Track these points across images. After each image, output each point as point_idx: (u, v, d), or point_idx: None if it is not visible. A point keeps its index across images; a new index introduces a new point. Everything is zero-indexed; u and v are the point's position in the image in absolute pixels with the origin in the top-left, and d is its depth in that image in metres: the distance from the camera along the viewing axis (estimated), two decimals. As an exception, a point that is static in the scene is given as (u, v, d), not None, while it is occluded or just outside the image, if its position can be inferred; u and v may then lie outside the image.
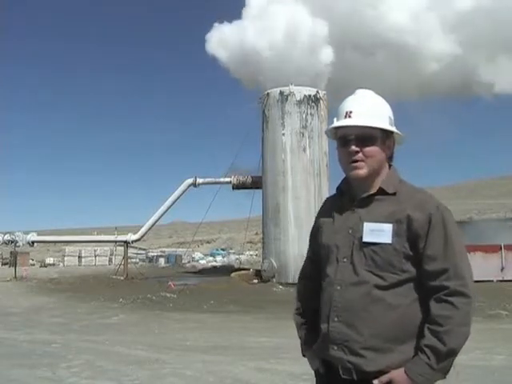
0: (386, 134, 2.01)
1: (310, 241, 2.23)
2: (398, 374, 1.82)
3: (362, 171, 1.97)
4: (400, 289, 1.89)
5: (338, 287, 1.96)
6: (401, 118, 2.14)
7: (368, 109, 2.00)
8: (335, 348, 1.93)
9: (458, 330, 1.81)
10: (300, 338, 2.22)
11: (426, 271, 1.87)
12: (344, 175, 2.08)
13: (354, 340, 1.89)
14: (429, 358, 1.79)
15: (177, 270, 34.24)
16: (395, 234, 1.89)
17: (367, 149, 1.96)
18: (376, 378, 1.85)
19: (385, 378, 1.84)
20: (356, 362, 1.88)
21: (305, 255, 2.28)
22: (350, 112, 2.00)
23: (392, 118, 2.05)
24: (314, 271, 2.15)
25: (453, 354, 1.81)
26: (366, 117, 1.98)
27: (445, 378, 1.84)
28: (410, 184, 2.04)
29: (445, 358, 1.80)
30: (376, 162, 1.98)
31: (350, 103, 2.04)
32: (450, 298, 1.82)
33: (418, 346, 1.84)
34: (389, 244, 1.89)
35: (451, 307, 1.81)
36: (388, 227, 1.90)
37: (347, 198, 2.06)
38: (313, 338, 2.08)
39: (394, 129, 2.02)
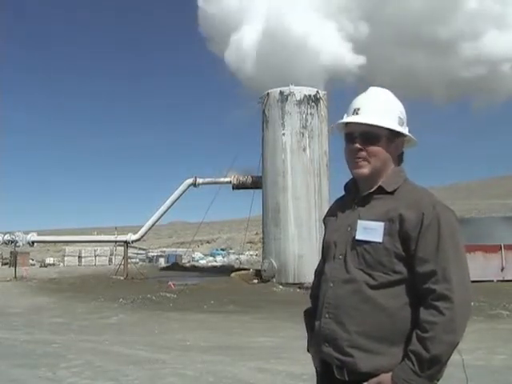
0: (394, 133, 1.98)
1: (322, 240, 2.24)
2: (386, 377, 1.79)
3: (365, 169, 1.95)
4: (391, 290, 1.85)
5: (331, 284, 1.96)
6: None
7: (377, 107, 1.97)
8: (326, 345, 1.93)
9: (442, 337, 1.74)
10: (307, 334, 2.22)
11: (417, 273, 1.83)
12: (350, 174, 2.06)
13: (341, 337, 1.88)
14: (414, 364, 1.75)
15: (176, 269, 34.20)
16: (387, 233, 1.86)
17: (371, 147, 1.94)
18: (366, 380, 1.82)
19: (373, 381, 1.82)
20: (345, 361, 1.87)
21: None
22: (358, 109, 1.98)
23: (403, 117, 2.02)
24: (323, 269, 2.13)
25: (438, 361, 1.74)
26: (373, 115, 1.95)
27: None
28: (414, 184, 2.00)
29: (429, 365, 1.74)
30: (380, 161, 1.96)
31: (360, 100, 2.02)
32: (435, 303, 1.77)
33: (406, 351, 1.80)
34: (379, 243, 1.86)
35: (436, 313, 1.76)
36: (380, 226, 1.87)
37: (351, 197, 2.06)
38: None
39: (401, 129, 1.99)
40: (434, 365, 1.74)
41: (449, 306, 1.75)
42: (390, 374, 1.79)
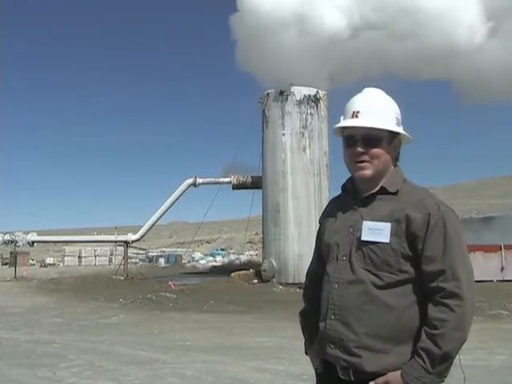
0: (393, 134, 1.99)
1: (316, 240, 2.23)
2: (394, 376, 1.81)
3: (368, 172, 1.96)
4: (398, 289, 1.87)
5: (336, 285, 1.96)
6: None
7: (375, 109, 1.98)
8: (332, 346, 1.93)
9: (452, 334, 1.77)
10: (304, 335, 2.21)
11: (425, 272, 1.85)
12: (349, 174, 2.06)
13: (348, 339, 1.88)
14: (424, 361, 1.77)
15: (176, 269, 34.20)
16: (394, 233, 1.87)
17: (373, 150, 1.95)
18: (373, 379, 1.83)
19: (381, 380, 1.83)
20: (352, 362, 1.87)
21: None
22: (357, 112, 1.98)
23: (399, 118, 2.03)
24: (319, 270, 2.13)
25: (448, 358, 1.78)
26: (373, 118, 1.95)
27: (443, 381, 1.82)
28: (413, 184, 2.02)
29: (440, 361, 1.77)
30: (381, 163, 1.96)
31: (357, 103, 2.02)
32: (445, 300, 1.79)
33: (415, 349, 1.82)
34: (386, 243, 1.87)
35: (447, 310, 1.78)
36: (386, 226, 1.88)
37: (350, 197, 2.06)
38: (316, 337, 2.07)
39: (401, 130, 2.01)
40: (444, 361, 1.77)
41: (459, 303, 1.78)
42: (398, 373, 1.80)
